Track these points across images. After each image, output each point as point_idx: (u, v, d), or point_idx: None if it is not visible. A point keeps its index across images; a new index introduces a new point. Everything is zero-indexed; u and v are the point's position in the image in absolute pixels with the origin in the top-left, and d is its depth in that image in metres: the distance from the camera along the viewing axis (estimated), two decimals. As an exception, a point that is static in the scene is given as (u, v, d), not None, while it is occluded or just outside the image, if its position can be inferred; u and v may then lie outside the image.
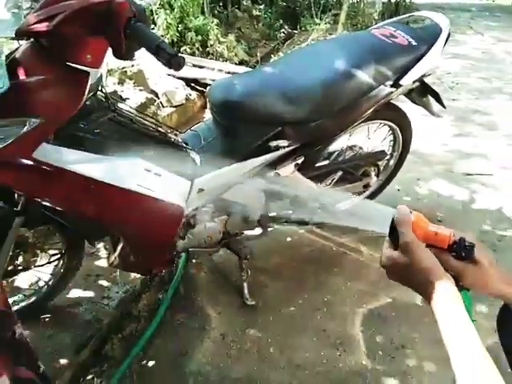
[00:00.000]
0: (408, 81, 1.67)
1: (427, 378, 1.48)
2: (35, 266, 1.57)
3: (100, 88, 1.26)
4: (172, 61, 0.96)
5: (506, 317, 0.86)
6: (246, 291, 1.76)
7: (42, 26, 1.04)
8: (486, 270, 0.71)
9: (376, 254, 1.99)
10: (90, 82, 1.12)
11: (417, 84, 1.78)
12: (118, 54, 1.06)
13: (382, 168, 2.07)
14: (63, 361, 1.52)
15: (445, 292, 0.65)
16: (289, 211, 1.82)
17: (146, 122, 1.42)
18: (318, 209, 1.80)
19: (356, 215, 1.50)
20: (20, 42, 1.15)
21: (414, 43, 1.68)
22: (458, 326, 0.63)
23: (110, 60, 1.18)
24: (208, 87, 1.67)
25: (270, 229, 1.89)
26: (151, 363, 1.53)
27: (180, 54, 0.97)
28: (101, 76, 1.21)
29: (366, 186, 2.05)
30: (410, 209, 0.73)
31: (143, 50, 1.06)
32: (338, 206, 1.86)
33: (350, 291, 1.83)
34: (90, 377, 1.47)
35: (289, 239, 2.13)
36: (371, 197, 2.12)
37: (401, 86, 1.67)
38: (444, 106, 1.94)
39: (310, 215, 1.77)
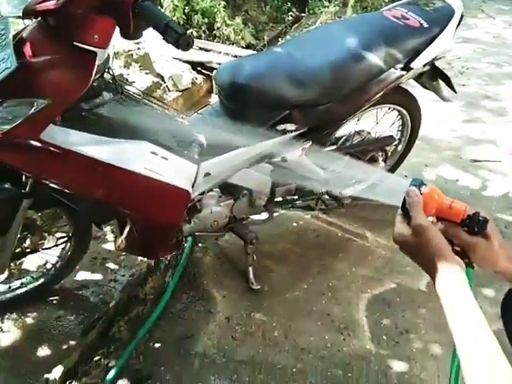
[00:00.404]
0: (419, 64, 1.64)
1: (431, 363, 1.49)
2: (43, 249, 1.59)
3: (107, 69, 1.25)
4: (180, 40, 0.94)
5: (511, 303, 0.86)
6: (251, 275, 1.77)
7: (50, 5, 1.02)
8: (496, 246, 0.71)
9: (381, 239, 1.98)
10: (97, 63, 1.11)
11: (427, 68, 1.75)
12: (126, 34, 1.05)
13: (389, 153, 2.05)
14: (71, 342, 1.54)
15: (453, 277, 0.65)
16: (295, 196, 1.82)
17: (153, 105, 1.41)
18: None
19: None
20: (27, 21, 1.14)
21: (425, 25, 1.64)
22: (465, 310, 0.62)
23: (115, 43, 1.17)
24: (215, 70, 1.64)
25: (276, 214, 1.89)
26: (157, 345, 1.55)
27: (188, 34, 0.95)
28: (108, 57, 1.20)
29: (374, 172, 2.04)
30: (423, 180, 0.72)
31: (150, 31, 1.05)
32: (345, 191, 1.85)
33: (354, 276, 1.84)
34: (97, 358, 1.49)
35: (294, 224, 2.12)
36: (378, 183, 2.11)
37: (411, 69, 1.64)
38: (455, 91, 1.91)
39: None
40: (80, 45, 1.07)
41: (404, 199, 0.71)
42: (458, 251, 0.73)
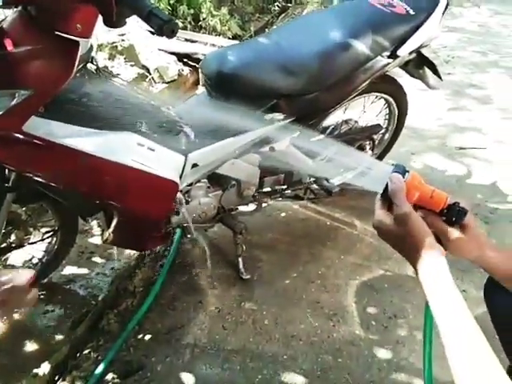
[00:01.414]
0: (405, 51, 1.64)
1: (419, 346, 1.51)
2: (29, 243, 1.56)
3: (90, 60, 1.22)
4: (164, 28, 0.93)
5: (492, 290, 0.88)
6: (240, 265, 1.77)
7: (30, -7, 1.00)
8: (472, 236, 0.73)
9: (369, 227, 2.00)
10: (80, 53, 1.09)
11: (414, 55, 1.76)
12: (109, 22, 1.03)
13: (376, 142, 2.07)
14: (60, 336, 1.53)
15: (435, 265, 0.66)
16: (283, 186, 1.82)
17: (138, 96, 1.39)
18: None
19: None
20: (7, 11, 1.11)
21: (412, 12, 1.65)
22: (446, 297, 0.63)
23: (99, 34, 1.14)
24: (202, 60, 1.63)
25: (264, 204, 1.89)
26: (147, 337, 1.55)
27: (173, 20, 0.93)
28: (91, 47, 1.18)
29: (361, 161, 2.05)
30: (406, 167, 0.72)
31: (134, 20, 1.03)
32: (334, 180, 1.86)
33: (343, 264, 1.85)
34: (86, 351, 1.49)
35: (283, 214, 2.13)
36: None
37: (398, 56, 1.64)
38: (441, 78, 1.92)
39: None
40: (62, 34, 1.05)
41: (386, 185, 0.71)
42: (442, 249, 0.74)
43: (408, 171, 0.72)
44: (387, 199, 0.71)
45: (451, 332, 0.60)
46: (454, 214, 0.71)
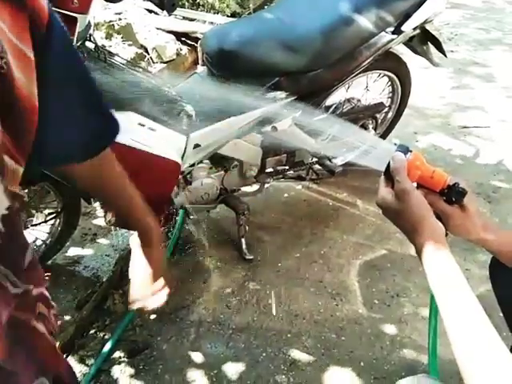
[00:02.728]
0: (409, 27, 1.61)
1: (421, 324, 1.53)
2: (32, 225, 1.56)
3: (89, 37, 1.20)
4: (165, 1, 0.90)
5: (497, 268, 0.88)
6: (244, 246, 1.77)
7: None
8: (471, 216, 0.74)
9: (371, 207, 2.00)
10: (77, 29, 1.06)
11: (418, 31, 1.72)
12: (107, -3, 1.00)
13: (380, 121, 2.04)
14: (66, 317, 1.55)
15: (434, 243, 0.65)
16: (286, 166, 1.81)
17: (138, 74, 1.37)
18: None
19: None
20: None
21: (416, -14, 1.60)
22: (447, 277, 0.62)
23: (96, 13, 1.11)
24: (202, 37, 1.59)
25: (267, 185, 1.88)
26: (152, 316, 1.56)
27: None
28: (89, 23, 1.15)
29: (364, 140, 2.03)
30: (409, 147, 0.72)
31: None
32: (336, 160, 1.84)
33: (346, 244, 1.86)
34: (92, 331, 1.50)
35: (285, 195, 2.12)
36: (368, 150, 2.11)
37: (402, 32, 1.61)
38: (445, 55, 1.89)
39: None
40: (59, 10, 1.02)
41: (388, 164, 0.71)
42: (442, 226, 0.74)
43: (411, 151, 0.72)
44: (390, 178, 0.71)
45: (453, 316, 0.60)
46: (453, 195, 0.72)
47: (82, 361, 1.41)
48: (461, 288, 0.61)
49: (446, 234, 0.73)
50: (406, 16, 1.59)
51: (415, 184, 0.73)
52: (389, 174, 0.71)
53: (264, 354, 1.44)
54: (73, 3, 1.02)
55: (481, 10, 4.83)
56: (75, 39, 1.07)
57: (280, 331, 1.51)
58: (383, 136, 2.15)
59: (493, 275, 0.96)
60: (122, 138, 1.23)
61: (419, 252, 0.67)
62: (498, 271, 0.92)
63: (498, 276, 0.94)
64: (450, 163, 2.30)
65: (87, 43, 1.22)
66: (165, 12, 1.01)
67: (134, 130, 1.27)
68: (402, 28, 1.60)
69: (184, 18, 3.56)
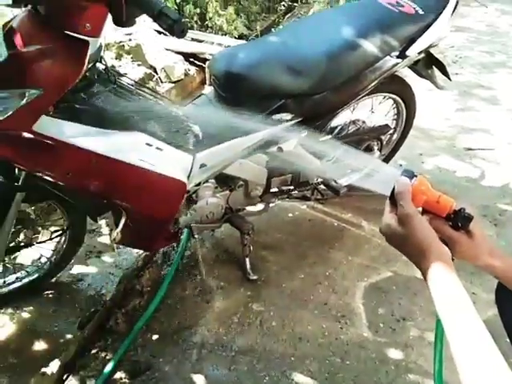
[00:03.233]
0: (414, 51, 1.63)
1: (427, 349, 1.50)
2: (37, 243, 1.57)
3: (100, 59, 1.23)
4: (175, 27, 0.92)
5: (503, 293, 0.87)
6: (248, 266, 1.76)
7: (39, -8, 1.00)
8: (478, 242, 0.74)
9: (376, 228, 1.99)
10: (89, 52, 1.09)
11: (423, 55, 1.74)
12: (119, 22, 1.03)
13: (384, 142, 2.05)
14: (68, 336, 1.54)
15: (442, 267, 0.65)
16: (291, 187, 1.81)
17: (146, 96, 1.39)
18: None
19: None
20: (16, 10, 1.11)
21: (420, 12, 1.64)
22: (454, 301, 0.62)
23: (106, 34, 1.14)
24: (210, 59, 1.63)
25: (272, 204, 1.88)
26: (155, 337, 1.55)
27: (183, 20, 0.93)
28: (100, 46, 1.18)
29: (369, 161, 2.04)
30: (414, 172, 0.72)
31: (142, 20, 1.02)
32: (341, 181, 1.85)
33: (351, 265, 1.84)
34: (94, 351, 1.49)
35: (290, 215, 2.12)
36: (373, 172, 2.11)
37: (407, 56, 1.63)
38: (449, 78, 1.91)
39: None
40: (72, 34, 1.05)
41: (393, 189, 0.71)
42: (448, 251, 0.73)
43: (416, 176, 0.72)
44: (395, 203, 0.71)
45: (459, 340, 0.59)
46: (459, 220, 0.72)
47: (82, 381, 1.40)
48: (467, 312, 0.60)
49: (453, 260, 0.73)
50: (411, 41, 1.62)
51: (420, 209, 0.73)
52: (394, 199, 0.71)
53: (267, 378, 1.42)
54: (85, 27, 1.04)
55: (485, 33, 4.89)
56: (86, 61, 1.09)
57: (283, 354, 1.49)
58: (388, 157, 2.16)
59: (499, 300, 0.95)
60: (129, 158, 1.25)
61: (425, 275, 0.66)
62: (505, 296, 0.91)
63: (504, 301, 0.93)
64: (455, 185, 2.30)
65: (97, 64, 1.25)
66: (174, 35, 1.04)
67: (142, 150, 1.28)
68: (407, 52, 1.62)
69: (193, 39, 3.64)
